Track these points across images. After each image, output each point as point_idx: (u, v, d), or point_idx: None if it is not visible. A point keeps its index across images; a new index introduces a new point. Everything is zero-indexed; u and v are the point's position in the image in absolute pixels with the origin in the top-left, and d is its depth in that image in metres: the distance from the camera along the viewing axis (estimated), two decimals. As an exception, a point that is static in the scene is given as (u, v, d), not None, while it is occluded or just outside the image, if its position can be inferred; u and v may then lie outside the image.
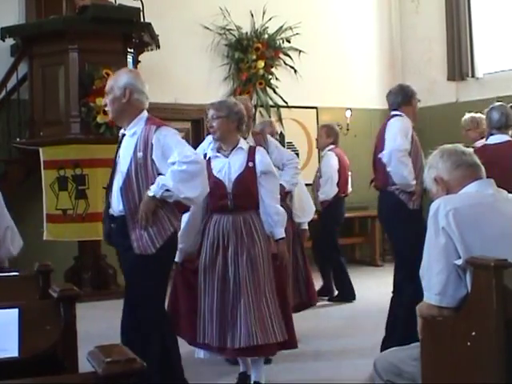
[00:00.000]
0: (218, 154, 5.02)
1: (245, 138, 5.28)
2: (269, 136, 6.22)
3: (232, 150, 4.99)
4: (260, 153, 5.02)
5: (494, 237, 2.95)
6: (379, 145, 5.74)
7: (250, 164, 4.94)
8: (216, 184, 4.85)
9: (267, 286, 4.86)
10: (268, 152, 5.49)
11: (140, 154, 4.37)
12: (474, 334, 2.78)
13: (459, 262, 2.89)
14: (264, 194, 4.95)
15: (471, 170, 3.24)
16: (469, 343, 2.79)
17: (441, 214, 2.96)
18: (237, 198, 4.91)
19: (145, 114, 4.61)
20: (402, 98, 5.80)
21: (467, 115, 7.50)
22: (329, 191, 8.36)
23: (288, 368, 5.62)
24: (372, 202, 8.02)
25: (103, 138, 8.23)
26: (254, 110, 7.90)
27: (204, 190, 4.45)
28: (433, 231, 2.99)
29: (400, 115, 5.71)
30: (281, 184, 5.56)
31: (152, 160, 4.35)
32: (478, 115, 7.30)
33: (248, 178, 4.92)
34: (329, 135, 8.56)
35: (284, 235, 5.02)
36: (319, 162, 9.32)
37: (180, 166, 4.27)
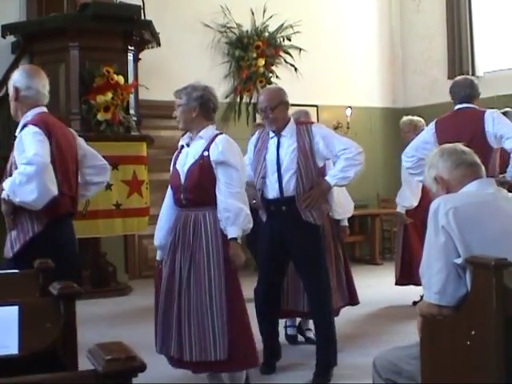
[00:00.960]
0: (184, 144, 4.69)
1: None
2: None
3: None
4: (219, 140, 4.48)
5: (494, 236, 2.95)
6: (470, 134, 5.58)
7: (206, 153, 4.45)
8: (173, 176, 4.62)
9: (214, 297, 4.34)
10: (312, 144, 5.16)
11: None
12: (473, 333, 2.78)
13: (459, 260, 2.89)
14: (218, 187, 4.40)
15: (471, 170, 3.24)
16: (468, 342, 2.80)
17: (441, 212, 2.96)
18: (188, 192, 4.50)
19: (35, 110, 4.44)
20: (476, 92, 6.06)
21: (406, 118, 7.89)
22: None
23: (285, 362, 5.62)
24: (372, 200, 8.02)
25: (104, 136, 8.23)
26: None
27: (42, 194, 3.99)
28: (433, 230, 2.99)
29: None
30: (325, 179, 5.28)
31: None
32: (417, 118, 7.75)
33: (200, 170, 4.44)
34: None
35: (236, 235, 4.38)
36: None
37: (19, 169, 4.01)
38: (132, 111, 8.74)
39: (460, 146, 3.36)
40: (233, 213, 4.33)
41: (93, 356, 1.73)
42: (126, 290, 9.00)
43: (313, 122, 5.59)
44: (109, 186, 8.20)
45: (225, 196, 4.36)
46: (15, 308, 2.62)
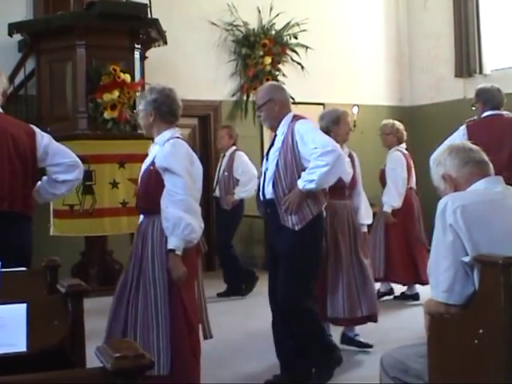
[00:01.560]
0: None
1: None
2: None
3: None
4: (166, 146, 4.30)
5: (502, 234, 2.95)
6: (502, 142, 5.83)
7: (155, 160, 4.30)
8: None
9: (160, 310, 4.18)
10: (293, 143, 4.89)
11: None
12: (481, 331, 2.78)
13: (467, 259, 2.89)
14: (162, 194, 4.20)
15: (479, 167, 3.23)
16: (476, 341, 2.79)
17: (448, 211, 2.96)
18: (140, 199, 4.47)
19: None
20: (503, 99, 6.18)
21: (387, 121, 8.20)
22: None
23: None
24: (379, 198, 8.01)
25: (110, 134, 8.25)
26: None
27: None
28: (440, 228, 2.99)
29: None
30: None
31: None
32: (398, 123, 8.07)
33: (149, 177, 4.31)
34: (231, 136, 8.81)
35: (174, 246, 4.13)
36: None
37: None
38: (139, 109, 8.74)
39: (468, 144, 3.36)
40: (171, 222, 4.12)
41: (101, 354, 1.73)
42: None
43: (303, 118, 5.12)
44: (115, 185, 8.22)
45: (165, 204, 4.16)
46: (23, 306, 2.63)
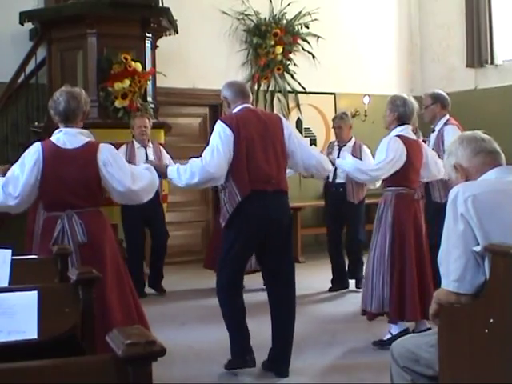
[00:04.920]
0: None
1: None
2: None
3: None
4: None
5: (513, 224, 2.94)
6: None
7: None
8: None
9: None
10: None
11: None
12: (491, 321, 2.77)
13: (478, 248, 2.88)
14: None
15: (491, 157, 3.22)
16: (486, 330, 2.79)
17: (459, 200, 2.95)
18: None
19: None
20: None
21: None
22: None
23: (299, 352, 5.63)
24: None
25: (121, 123, 8.23)
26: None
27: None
28: (451, 218, 2.98)
29: None
30: None
31: None
32: None
33: None
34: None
35: None
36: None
37: None
38: (149, 98, 8.74)
39: (480, 133, 3.34)
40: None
41: (112, 340, 1.74)
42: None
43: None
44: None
45: None
46: (34, 293, 2.64)
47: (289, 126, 5.33)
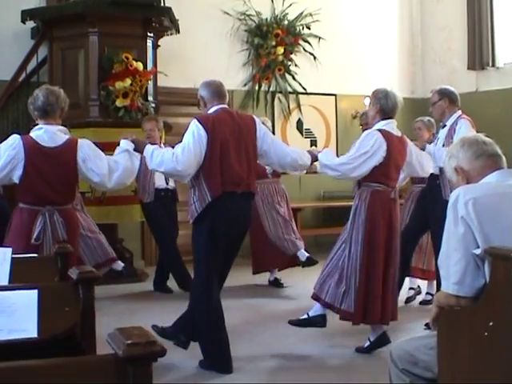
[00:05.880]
0: None
1: None
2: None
3: None
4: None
5: (514, 227, 2.94)
6: None
7: None
8: None
9: None
10: None
11: None
12: (491, 324, 2.77)
13: (478, 251, 2.88)
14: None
15: (492, 160, 3.22)
16: (486, 333, 2.79)
17: (460, 203, 2.95)
18: None
19: None
20: None
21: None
22: None
23: (302, 349, 5.63)
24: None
25: (122, 122, 8.25)
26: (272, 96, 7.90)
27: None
28: (452, 220, 2.98)
29: None
30: None
31: None
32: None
33: None
34: None
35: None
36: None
37: None
38: (150, 98, 8.75)
39: (481, 136, 3.35)
40: None
41: (113, 340, 1.74)
42: (142, 276, 9.02)
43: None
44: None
45: None
46: (35, 292, 2.64)
47: (262, 126, 5.38)
